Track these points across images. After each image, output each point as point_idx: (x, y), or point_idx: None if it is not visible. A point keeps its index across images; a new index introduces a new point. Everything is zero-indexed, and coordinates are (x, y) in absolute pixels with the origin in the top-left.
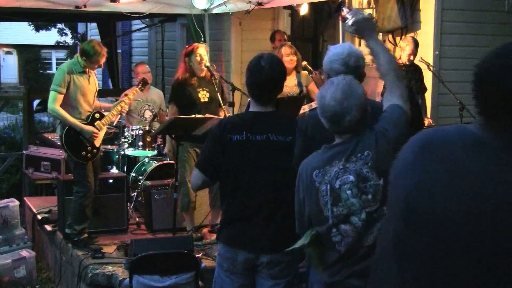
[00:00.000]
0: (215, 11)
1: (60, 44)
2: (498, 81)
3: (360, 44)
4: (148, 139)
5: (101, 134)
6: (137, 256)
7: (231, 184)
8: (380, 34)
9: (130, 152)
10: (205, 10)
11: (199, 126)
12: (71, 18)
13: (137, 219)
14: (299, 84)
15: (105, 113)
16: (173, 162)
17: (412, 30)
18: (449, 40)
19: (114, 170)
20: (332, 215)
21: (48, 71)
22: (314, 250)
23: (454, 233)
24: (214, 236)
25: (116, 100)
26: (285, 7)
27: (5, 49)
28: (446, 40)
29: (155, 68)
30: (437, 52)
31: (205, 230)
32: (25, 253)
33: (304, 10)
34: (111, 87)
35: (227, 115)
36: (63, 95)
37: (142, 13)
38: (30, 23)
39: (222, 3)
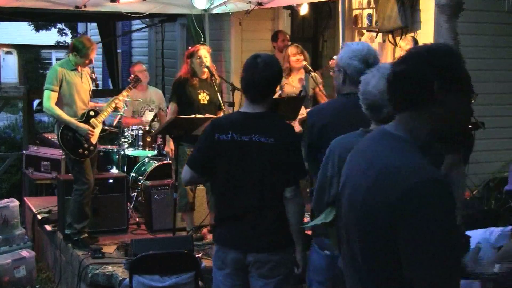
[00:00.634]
0: (215, 11)
1: (60, 44)
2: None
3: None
4: (148, 139)
5: (97, 132)
6: (137, 256)
7: (220, 184)
8: (380, 34)
9: (130, 152)
10: (205, 10)
11: (199, 126)
12: (71, 18)
13: (137, 219)
14: (303, 85)
15: (100, 111)
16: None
17: (412, 30)
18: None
19: (114, 170)
20: None
21: (48, 71)
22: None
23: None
24: None
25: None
26: (285, 7)
27: (5, 49)
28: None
29: (155, 68)
30: None
31: (205, 230)
32: (25, 253)
33: (304, 10)
34: (111, 87)
35: None
36: (57, 93)
37: (142, 13)
38: (30, 23)
39: (222, 3)
